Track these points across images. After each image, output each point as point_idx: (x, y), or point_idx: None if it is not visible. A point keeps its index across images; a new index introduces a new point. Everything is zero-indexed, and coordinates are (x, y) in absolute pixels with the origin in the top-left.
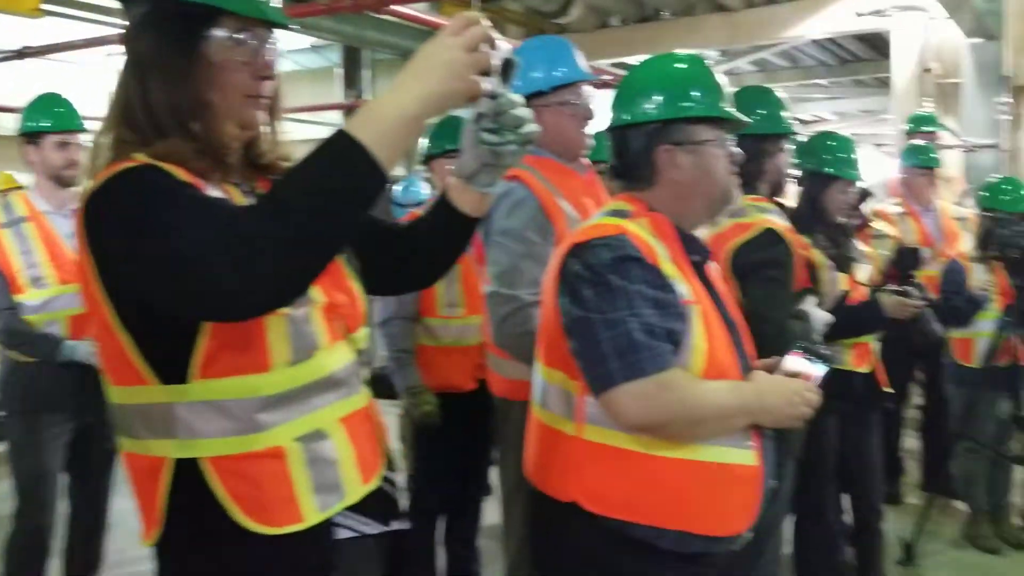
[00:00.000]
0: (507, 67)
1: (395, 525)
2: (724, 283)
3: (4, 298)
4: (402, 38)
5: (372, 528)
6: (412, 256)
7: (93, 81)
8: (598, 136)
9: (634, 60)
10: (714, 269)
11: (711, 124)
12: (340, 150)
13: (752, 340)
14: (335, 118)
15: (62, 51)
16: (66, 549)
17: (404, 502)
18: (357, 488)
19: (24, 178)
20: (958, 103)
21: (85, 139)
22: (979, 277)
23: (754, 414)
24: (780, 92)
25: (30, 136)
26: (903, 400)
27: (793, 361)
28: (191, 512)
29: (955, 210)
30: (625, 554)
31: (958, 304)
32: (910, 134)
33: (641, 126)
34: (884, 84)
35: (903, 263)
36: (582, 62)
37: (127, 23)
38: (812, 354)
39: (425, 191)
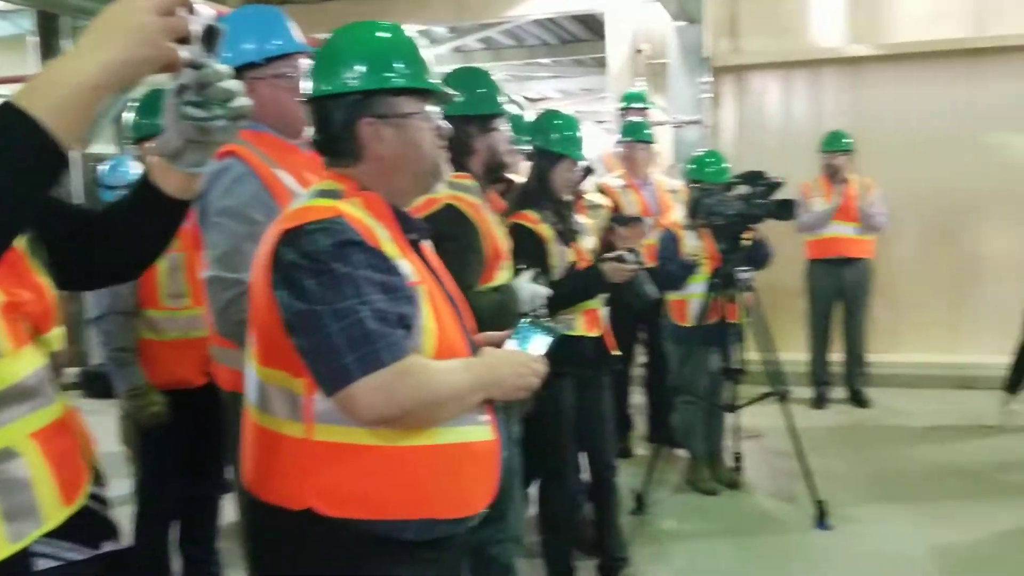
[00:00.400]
0: (210, 35)
1: (107, 547)
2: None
3: None
4: (106, 3)
5: (79, 554)
6: (110, 244)
7: None
8: None
9: None
10: (428, 245)
11: (416, 96)
12: (6, 124)
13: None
14: None
15: None
16: None
17: (118, 519)
18: (58, 511)
19: None
20: (666, 82)
21: None
22: (690, 244)
23: (487, 389)
24: (505, 70)
25: None
26: (629, 360)
27: (517, 334)
28: None
29: (668, 182)
30: (367, 553)
31: (672, 269)
32: (624, 111)
33: (342, 97)
34: (602, 64)
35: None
36: (297, 33)
37: None
38: (537, 326)
39: (136, 171)
